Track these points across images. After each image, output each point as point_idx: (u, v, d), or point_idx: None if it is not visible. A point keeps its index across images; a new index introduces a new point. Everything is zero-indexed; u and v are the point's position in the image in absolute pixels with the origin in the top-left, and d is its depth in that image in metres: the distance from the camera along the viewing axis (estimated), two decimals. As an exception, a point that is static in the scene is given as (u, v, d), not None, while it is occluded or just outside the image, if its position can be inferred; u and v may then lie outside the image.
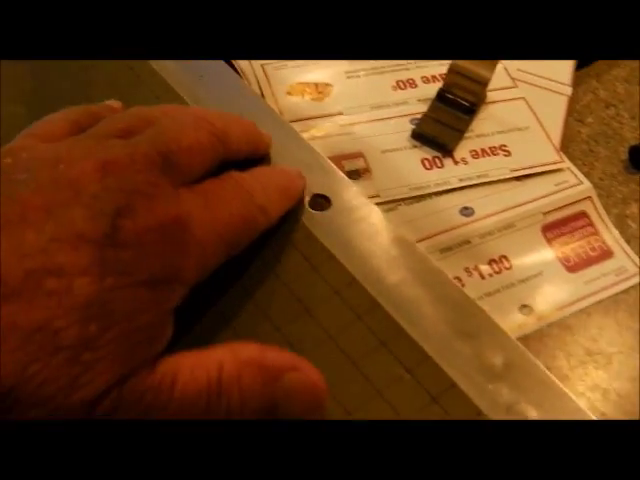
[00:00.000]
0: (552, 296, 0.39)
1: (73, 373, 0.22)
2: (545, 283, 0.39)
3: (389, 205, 0.41)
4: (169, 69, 0.39)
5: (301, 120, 0.44)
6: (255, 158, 0.32)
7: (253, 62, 0.46)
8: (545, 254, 0.40)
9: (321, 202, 0.33)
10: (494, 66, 0.45)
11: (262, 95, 0.44)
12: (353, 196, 0.33)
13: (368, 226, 0.31)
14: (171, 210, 0.24)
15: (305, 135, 0.42)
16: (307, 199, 0.32)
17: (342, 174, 0.33)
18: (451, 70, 0.45)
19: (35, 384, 0.21)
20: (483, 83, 0.45)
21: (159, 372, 0.23)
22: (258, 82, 0.45)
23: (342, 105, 0.45)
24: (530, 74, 0.49)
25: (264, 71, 0.46)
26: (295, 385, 0.24)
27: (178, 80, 0.38)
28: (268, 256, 0.30)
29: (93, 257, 0.22)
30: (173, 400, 0.23)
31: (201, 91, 0.38)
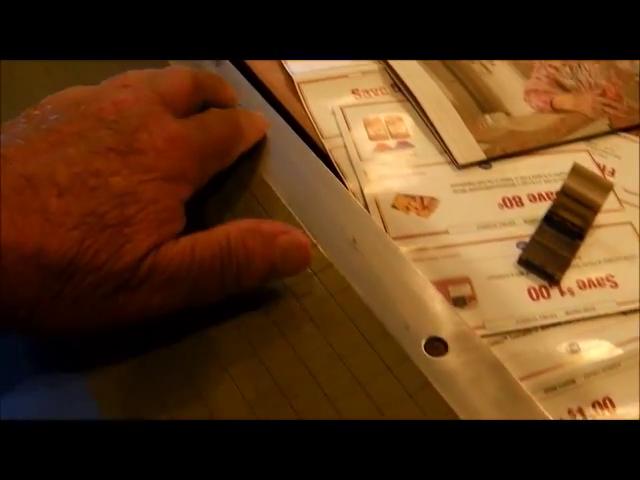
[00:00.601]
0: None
1: (119, 243, 0.29)
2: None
3: (495, 338, 0.40)
4: (274, 176, 0.40)
5: (406, 237, 0.43)
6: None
7: (357, 169, 0.46)
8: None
9: (438, 346, 0.33)
10: (607, 192, 0.44)
11: (366, 205, 0.44)
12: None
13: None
14: (174, 127, 0.33)
15: (410, 255, 0.41)
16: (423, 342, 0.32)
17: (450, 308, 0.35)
18: (561, 192, 0.44)
19: (90, 254, 0.28)
20: (594, 209, 0.45)
21: (181, 243, 0.31)
22: (362, 191, 0.45)
23: (448, 223, 0.45)
24: (637, 195, 0.48)
25: (368, 179, 0.46)
26: (287, 244, 0.33)
27: (283, 187, 0.40)
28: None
29: (121, 162, 0.30)
30: (194, 263, 0.31)
31: (309, 203, 0.40)
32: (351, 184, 0.45)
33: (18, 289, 0.27)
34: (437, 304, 0.36)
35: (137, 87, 0.34)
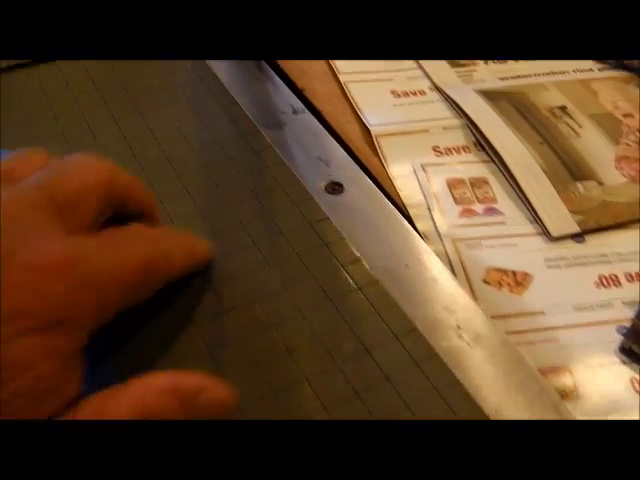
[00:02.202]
0: None
1: None
2: None
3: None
4: (372, 260, 0.37)
5: (500, 317, 0.41)
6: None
7: (443, 237, 0.43)
8: None
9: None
10: None
11: (454, 275, 0.41)
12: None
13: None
14: (59, 250, 0.24)
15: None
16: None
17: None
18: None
19: None
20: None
21: (81, 412, 0.23)
22: (450, 262, 0.42)
23: (543, 302, 0.42)
24: None
25: (456, 249, 0.43)
26: (208, 403, 0.26)
27: (384, 267, 0.37)
28: None
29: None
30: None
31: (405, 279, 0.37)
32: (439, 254, 0.42)
33: None
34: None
35: (25, 181, 0.26)
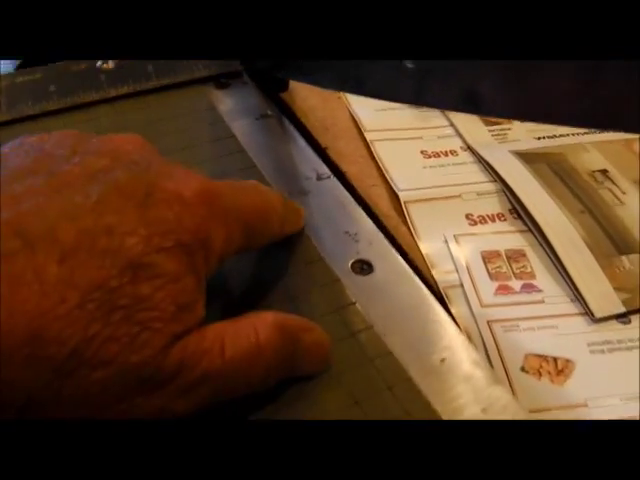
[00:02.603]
0: None
1: (132, 331, 0.23)
2: None
3: None
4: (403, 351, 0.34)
5: (540, 411, 0.37)
6: None
7: (478, 318, 0.40)
8: None
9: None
10: None
11: (490, 363, 0.38)
12: None
13: None
14: (206, 181, 0.27)
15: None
16: None
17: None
18: None
19: (97, 343, 0.22)
20: None
21: (209, 339, 0.26)
22: (486, 348, 0.39)
23: (586, 393, 0.39)
24: None
25: (492, 333, 0.40)
26: (310, 343, 0.30)
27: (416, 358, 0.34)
28: None
29: (138, 217, 0.24)
30: (225, 364, 0.26)
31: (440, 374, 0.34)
32: (473, 338, 0.39)
33: (4, 386, 0.21)
34: None
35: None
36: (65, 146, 0.26)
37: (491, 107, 0.28)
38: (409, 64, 0.32)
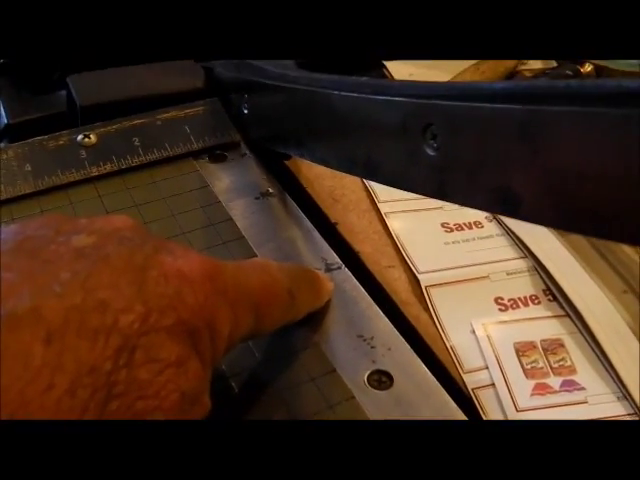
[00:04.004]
0: None
1: None
2: None
3: None
4: None
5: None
6: None
7: (514, 423, 0.36)
8: None
9: None
10: None
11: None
12: None
13: None
14: (208, 257, 0.26)
15: None
16: None
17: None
18: None
19: None
20: None
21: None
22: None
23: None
24: None
25: None
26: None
27: None
28: None
29: (134, 292, 0.22)
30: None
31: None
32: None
33: None
34: None
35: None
36: (48, 227, 0.25)
37: (532, 211, 0.24)
38: (430, 151, 0.28)
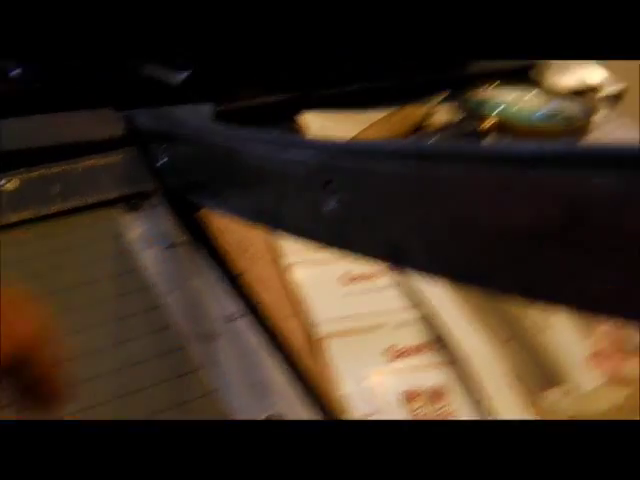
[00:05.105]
0: None
1: None
2: None
3: None
4: None
5: None
6: None
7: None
8: None
9: None
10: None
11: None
12: None
13: None
14: None
15: None
16: None
17: None
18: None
19: None
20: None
21: None
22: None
23: None
24: None
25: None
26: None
27: None
28: None
29: None
30: None
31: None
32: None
33: None
34: None
35: None
36: None
37: (423, 263, 0.28)
38: (330, 205, 0.31)
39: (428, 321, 0.48)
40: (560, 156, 0.21)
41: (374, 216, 0.29)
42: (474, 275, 0.26)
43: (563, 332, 0.48)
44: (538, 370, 0.46)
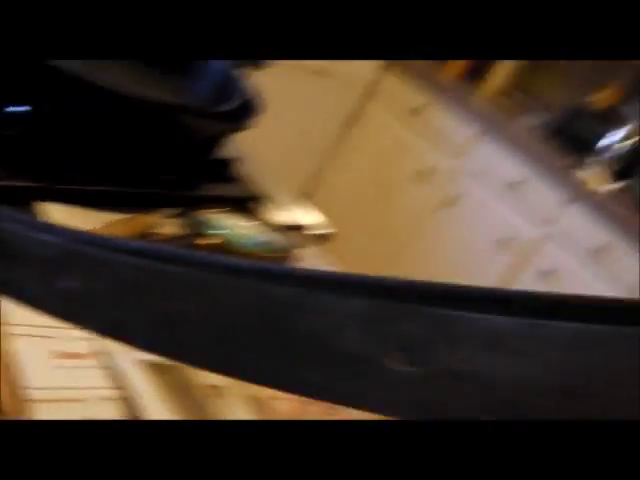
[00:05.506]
0: None
1: None
2: None
3: None
4: None
5: None
6: None
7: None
8: None
9: None
10: None
11: None
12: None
13: None
14: None
15: None
16: None
17: None
18: None
19: None
20: None
21: None
22: None
23: None
24: None
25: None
26: None
27: None
28: None
29: None
30: None
31: None
32: None
33: None
34: None
35: None
36: None
37: (142, 341, 0.33)
38: (62, 283, 0.36)
39: (127, 399, 0.53)
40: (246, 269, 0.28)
41: (105, 297, 0.35)
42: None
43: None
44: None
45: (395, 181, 2.62)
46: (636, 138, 2.36)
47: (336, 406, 0.26)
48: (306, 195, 2.65)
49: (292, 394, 0.28)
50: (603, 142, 2.44)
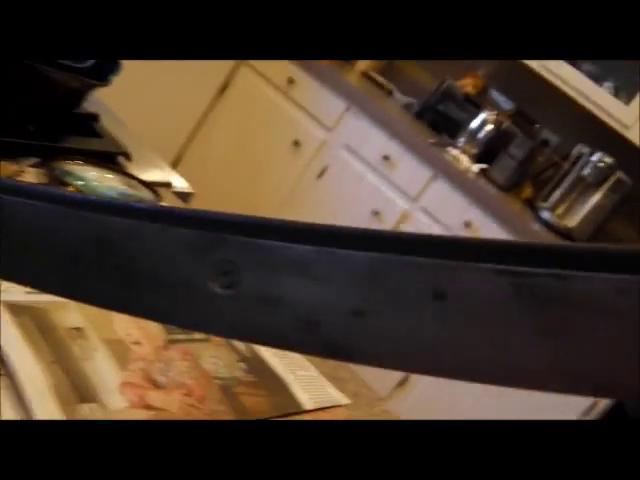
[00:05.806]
0: None
1: None
2: None
3: None
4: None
5: None
6: None
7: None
8: None
9: None
10: None
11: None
12: None
13: None
14: None
15: None
16: None
17: None
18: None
19: None
20: None
21: None
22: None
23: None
24: None
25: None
26: None
27: None
28: None
29: None
30: None
31: None
32: None
33: None
34: None
35: None
36: None
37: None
38: None
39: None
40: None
41: None
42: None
43: (103, 362, 0.59)
44: (76, 389, 0.55)
45: (269, 149, 2.67)
46: (491, 126, 2.50)
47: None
48: (176, 158, 2.66)
49: (132, 316, 0.32)
50: (471, 125, 2.58)
